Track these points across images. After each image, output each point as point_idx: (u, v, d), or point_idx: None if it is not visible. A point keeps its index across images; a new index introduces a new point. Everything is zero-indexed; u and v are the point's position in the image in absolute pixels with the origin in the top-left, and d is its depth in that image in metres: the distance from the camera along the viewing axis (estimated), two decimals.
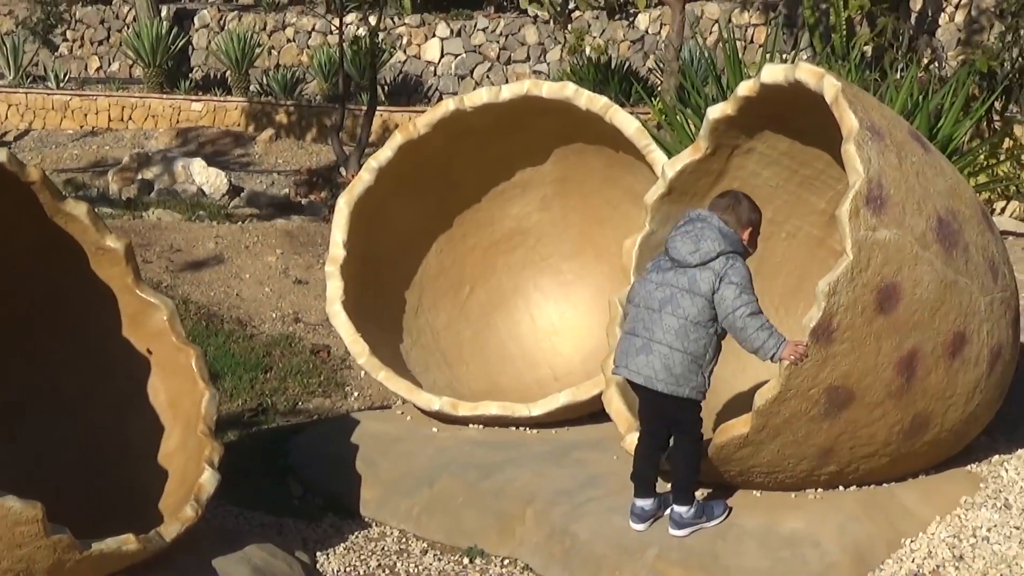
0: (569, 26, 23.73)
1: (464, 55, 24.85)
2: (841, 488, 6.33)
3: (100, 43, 28.04)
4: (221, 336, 9.62)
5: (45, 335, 6.48)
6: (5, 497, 5.10)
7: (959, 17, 21.41)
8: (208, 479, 5.94)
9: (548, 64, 24.11)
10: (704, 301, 5.83)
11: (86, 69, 27.85)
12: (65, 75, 25.35)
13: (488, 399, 7.68)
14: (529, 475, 6.91)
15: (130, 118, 24.13)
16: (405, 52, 25.16)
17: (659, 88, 19.02)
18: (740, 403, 6.66)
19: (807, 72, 6.11)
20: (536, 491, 6.74)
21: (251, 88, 24.93)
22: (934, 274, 5.86)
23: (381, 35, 21.12)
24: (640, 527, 6.18)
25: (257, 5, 27.54)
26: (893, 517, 6.17)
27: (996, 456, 6.86)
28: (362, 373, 9.12)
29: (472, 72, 24.71)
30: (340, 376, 9.30)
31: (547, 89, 7.78)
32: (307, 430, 8.16)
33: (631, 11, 23.99)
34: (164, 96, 24.33)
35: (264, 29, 26.32)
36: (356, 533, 6.93)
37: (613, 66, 21.97)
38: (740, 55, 12.78)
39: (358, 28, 21.58)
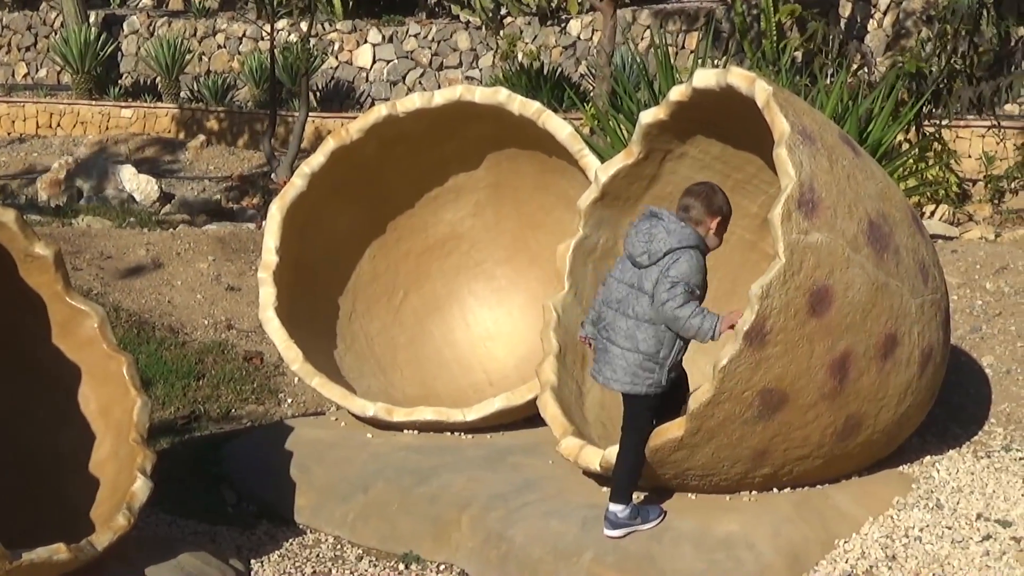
0: (501, 32, 23.78)
1: (396, 61, 24.83)
2: (775, 490, 6.37)
3: (27, 49, 27.81)
4: (153, 343, 9.53)
5: None
6: None
7: (887, 22, 21.65)
8: (140, 487, 5.90)
9: (480, 70, 24.13)
10: (650, 299, 5.86)
11: (13, 75, 27.60)
12: None
13: (423, 404, 7.66)
14: (464, 480, 6.90)
15: (59, 125, 23.93)
16: (337, 58, 25.11)
17: (591, 93, 19.11)
18: None
19: (739, 77, 6.15)
20: (471, 496, 6.73)
21: (182, 94, 24.80)
22: (865, 277, 5.91)
23: (313, 41, 21.07)
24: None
25: (187, 11, 27.40)
26: (827, 518, 6.22)
27: (928, 457, 6.94)
28: (296, 379, 9.06)
29: (404, 78, 24.69)
30: (273, 383, 9.24)
31: (480, 94, 7.77)
32: (241, 437, 8.09)
33: (563, 17, 24.07)
34: (93, 103, 24.16)
35: (195, 35, 26.19)
36: (291, 540, 6.89)
37: (545, 72, 22.05)
38: (672, 60, 12.85)
39: (289, 34, 21.54)
